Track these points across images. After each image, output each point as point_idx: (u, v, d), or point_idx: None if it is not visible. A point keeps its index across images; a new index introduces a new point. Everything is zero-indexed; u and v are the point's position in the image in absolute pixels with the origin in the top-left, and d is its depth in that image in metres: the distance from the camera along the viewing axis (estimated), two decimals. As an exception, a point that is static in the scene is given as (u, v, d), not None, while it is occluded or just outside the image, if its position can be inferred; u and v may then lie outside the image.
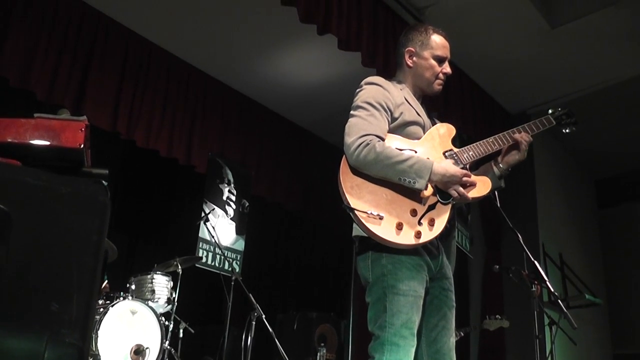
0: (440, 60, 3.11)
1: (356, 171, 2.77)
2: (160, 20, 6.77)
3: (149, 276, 5.79)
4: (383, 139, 2.82)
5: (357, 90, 3.02)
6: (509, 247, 7.90)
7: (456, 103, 7.12)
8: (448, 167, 2.81)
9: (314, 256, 9.28)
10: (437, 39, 3.13)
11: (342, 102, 8.21)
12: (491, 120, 7.89)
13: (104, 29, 6.58)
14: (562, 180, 9.00)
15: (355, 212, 2.69)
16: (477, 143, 3.03)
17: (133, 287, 5.73)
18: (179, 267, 6.07)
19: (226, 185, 7.68)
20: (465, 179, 2.82)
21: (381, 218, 2.68)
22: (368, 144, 2.73)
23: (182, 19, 6.74)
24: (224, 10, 6.61)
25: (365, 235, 2.73)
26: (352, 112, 2.92)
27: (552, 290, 3.51)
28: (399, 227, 2.69)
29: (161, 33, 6.96)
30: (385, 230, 2.68)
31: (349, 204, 2.71)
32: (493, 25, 6.79)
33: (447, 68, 3.13)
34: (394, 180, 2.73)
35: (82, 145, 2.11)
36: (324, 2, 5.65)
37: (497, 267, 5.19)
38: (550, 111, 3.24)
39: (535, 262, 3.58)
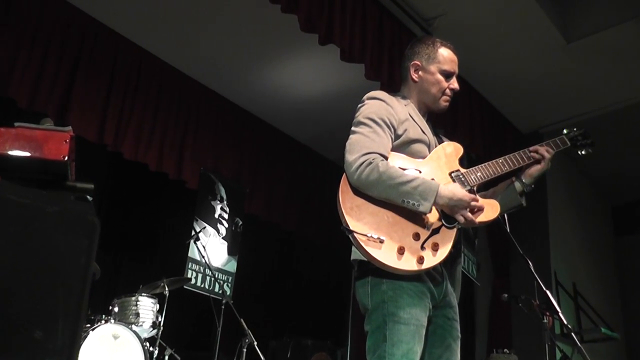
0: (447, 75, 3.09)
1: (357, 191, 2.75)
2: (153, 26, 6.76)
3: (133, 298, 5.72)
4: (386, 158, 2.81)
5: (359, 105, 3.01)
6: (519, 274, 7.87)
7: (464, 120, 7.11)
8: (455, 190, 2.79)
9: (311, 280, 9.25)
10: (444, 53, 3.12)
11: (344, 116, 8.20)
12: (502, 140, 7.89)
13: (92, 33, 6.57)
14: (577, 204, 8.98)
15: (355, 234, 2.67)
16: (486, 164, 3.02)
17: (116, 309, 5.66)
18: (166, 288, 6.02)
19: (218, 202, 7.66)
20: (473, 203, 2.80)
21: (382, 242, 2.67)
22: (371, 163, 2.72)
23: (176, 25, 6.74)
24: (220, 17, 6.62)
25: (365, 259, 2.71)
26: (353, 128, 2.90)
27: (565, 322, 3.48)
28: (401, 251, 2.68)
29: (153, 39, 6.95)
30: (385, 255, 2.66)
31: (348, 225, 2.69)
32: (505, 38, 6.80)
33: (454, 84, 3.11)
34: (397, 202, 2.71)
35: (66, 158, 2.08)
36: (327, 11, 5.65)
37: (506, 295, 5.16)
38: (565, 131, 3.24)
39: (547, 292, 3.52)
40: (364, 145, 2.78)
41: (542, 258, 7.83)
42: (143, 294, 5.82)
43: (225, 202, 7.73)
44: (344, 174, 2.79)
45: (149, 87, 7.00)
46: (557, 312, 3.49)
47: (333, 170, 8.87)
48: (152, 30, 6.82)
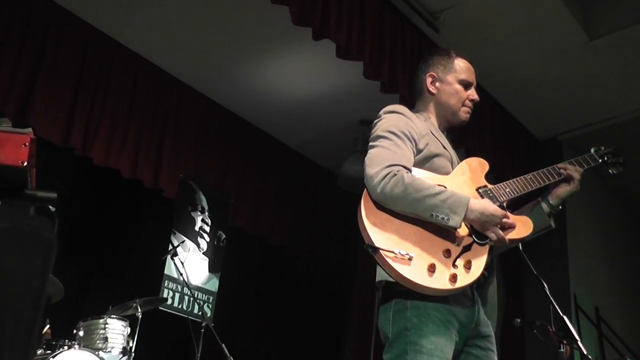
0: (466, 85, 3.22)
1: (380, 206, 2.83)
2: (127, 15, 6.74)
3: (101, 320, 5.66)
4: (410, 171, 2.89)
5: (375, 120, 3.11)
6: (533, 296, 7.84)
7: (474, 125, 7.09)
8: (487, 204, 2.87)
9: (302, 300, 9.19)
10: (460, 62, 3.25)
11: (340, 119, 8.29)
12: (515, 147, 7.91)
13: (58, 22, 6.53)
14: (601, 221, 8.97)
15: (381, 252, 2.73)
16: (515, 179, 3.12)
17: (81, 333, 5.59)
18: (139, 309, 6.00)
19: (199, 213, 7.68)
20: (504, 220, 2.88)
21: (410, 259, 2.72)
22: (395, 175, 2.79)
23: (153, 15, 6.72)
24: (203, 8, 6.61)
25: (392, 279, 2.76)
26: (371, 143, 3.00)
27: (585, 352, 3.49)
28: (432, 268, 2.73)
29: (128, 30, 6.93)
30: (415, 272, 2.72)
31: (373, 243, 2.75)
32: (520, 34, 6.79)
33: (474, 94, 3.24)
34: (424, 216, 2.78)
35: (25, 163, 2.04)
36: (321, 2, 5.66)
37: (519, 320, 5.14)
38: (592, 150, 3.36)
39: (565, 317, 3.60)
40: (386, 157, 2.88)
41: (560, 280, 7.81)
42: (112, 316, 5.77)
43: (206, 214, 7.75)
44: (365, 189, 2.86)
45: (122, 84, 6.97)
46: (576, 340, 3.54)
47: (327, 178, 8.90)
48: (126, 21, 6.80)
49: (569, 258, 8.01)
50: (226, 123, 8.08)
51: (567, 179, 3.17)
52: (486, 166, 3.14)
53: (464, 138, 6.81)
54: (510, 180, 3.10)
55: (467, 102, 3.21)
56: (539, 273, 3.58)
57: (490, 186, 3.07)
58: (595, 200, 8.85)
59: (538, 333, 4.83)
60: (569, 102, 7.79)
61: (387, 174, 2.79)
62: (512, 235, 2.90)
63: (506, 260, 8.06)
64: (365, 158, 2.93)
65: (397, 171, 2.81)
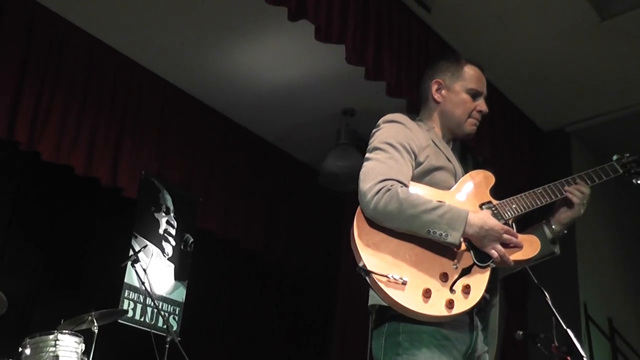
0: (474, 94, 3.30)
1: (374, 224, 2.92)
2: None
3: (51, 336, 5.59)
4: (407, 186, 2.98)
5: (374, 130, 3.21)
6: (537, 307, 7.82)
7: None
8: (486, 218, 2.95)
9: (280, 312, 9.23)
10: (470, 70, 3.33)
11: (320, 109, 8.25)
12: (516, 139, 7.93)
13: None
14: (614, 223, 8.97)
15: (373, 275, 2.81)
16: (523, 195, 3.18)
17: (28, 351, 5.54)
18: (95, 323, 5.92)
19: (164, 214, 7.66)
20: (506, 236, 2.94)
21: (404, 283, 2.81)
22: (389, 190, 2.88)
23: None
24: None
25: (384, 304, 2.85)
26: (367, 155, 3.10)
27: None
28: (427, 294, 2.81)
29: (79, 8, 6.88)
30: (409, 298, 2.80)
31: (366, 265, 2.84)
32: (523, 13, 6.78)
33: (482, 105, 3.31)
34: (421, 233, 2.87)
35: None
36: (298, -22, 5.66)
37: (521, 333, 5.18)
38: (615, 157, 3.37)
39: (568, 331, 3.63)
40: (380, 171, 2.97)
41: (568, 288, 7.84)
42: (64, 331, 5.71)
43: (172, 215, 7.73)
44: (359, 207, 2.96)
45: (74, 69, 6.93)
46: (582, 357, 3.57)
47: (307, 175, 8.88)
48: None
49: (579, 264, 8.01)
50: (194, 114, 8.06)
51: (568, 202, 3.21)
52: (492, 180, 3.21)
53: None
54: (518, 196, 3.16)
55: (475, 113, 3.28)
56: (543, 281, 3.67)
57: (495, 202, 3.13)
58: (607, 199, 8.83)
59: (542, 347, 4.85)
60: (577, 89, 7.79)
61: (381, 189, 2.87)
62: (517, 255, 2.97)
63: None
64: (360, 172, 3.01)
65: (391, 186, 2.88)
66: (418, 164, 3.08)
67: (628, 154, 3.38)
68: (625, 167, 3.34)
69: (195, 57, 7.51)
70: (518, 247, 2.97)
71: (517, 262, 2.98)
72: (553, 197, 3.19)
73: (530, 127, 8.33)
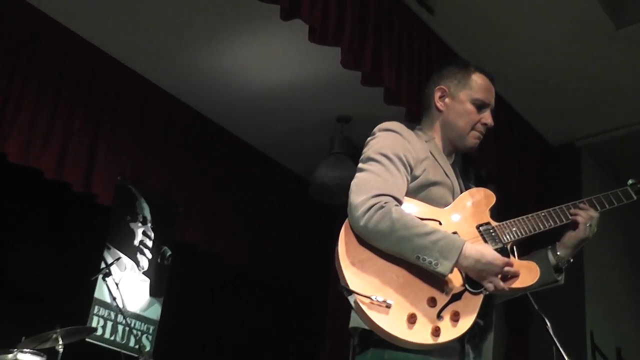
0: (480, 106, 3.29)
1: (362, 242, 2.92)
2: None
3: (10, 356, 5.56)
4: (401, 202, 3.00)
5: (369, 138, 3.21)
6: (540, 334, 7.75)
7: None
8: (484, 251, 2.92)
9: (265, 331, 9.21)
10: (478, 79, 3.33)
11: (313, 115, 8.24)
12: (523, 153, 7.91)
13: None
14: (625, 248, 8.95)
15: (356, 296, 2.80)
16: (526, 217, 3.18)
17: (-16, 371, 5.52)
18: (60, 341, 5.88)
19: (140, 224, 7.66)
20: (507, 269, 2.93)
21: (389, 306, 2.79)
22: (382, 207, 2.87)
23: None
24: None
25: (367, 327, 2.84)
26: (360, 165, 3.11)
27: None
28: (412, 319, 2.80)
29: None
30: (393, 323, 2.78)
31: (348, 285, 2.83)
32: (533, 19, 6.75)
33: (488, 118, 3.30)
34: (410, 258, 2.86)
35: None
36: (291, -26, 5.66)
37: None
38: (630, 182, 3.36)
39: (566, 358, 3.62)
40: (375, 185, 2.96)
41: (574, 314, 7.79)
42: (25, 350, 5.67)
43: (149, 225, 7.73)
44: (347, 219, 2.96)
45: (47, 64, 6.89)
46: None
47: (297, 186, 8.89)
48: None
49: (586, 289, 7.98)
50: (177, 116, 8.05)
51: (574, 225, 3.21)
52: (493, 200, 3.22)
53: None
54: (520, 218, 3.15)
55: (479, 125, 3.28)
56: (547, 306, 3.71)
57: (494, 224, 3.13)
58: (618, 222, 8.79)
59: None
60: (589, 101, 7.77)
61: (373, 205, 2.87)
62: (515, 284, 2.97)
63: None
64: (352, 183, 3.01)
65: (385, 203, 2.88)
66: (414, 178, 3.09)
67: None
68: None
69: (180, 56, 7.50)
70: (515, 276, 2.97)
71: (513, 289, 2.97)
72: (558, 221, 3.19)
73: (539, 141, 8.31)
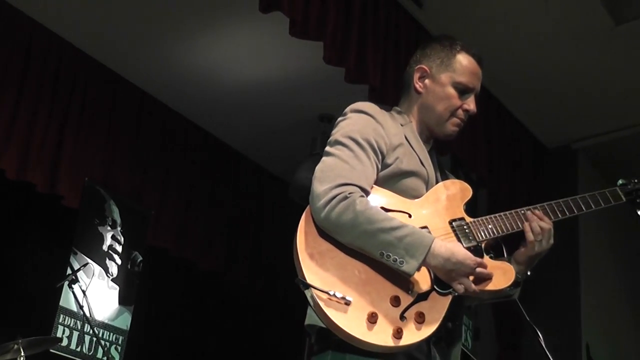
0: (462, 90, 3.17)
1: (323, 233, 2.82)
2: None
3: (-33, 368, 5.60)
4: (368, 193, 2.89)
5: (339, 119, 3.10)
6: (532, 346, 7.79)
7: (464, 126, 6.99)
8: (455, 249, 2.83)
9: (242, 341, 9.19)
10: (463, 60, 3.20)
11: (294, 114, 8.25)
12: (517, 155, 7.95)
13: None
14: (623, 260, 9.00)
15: (312, 291, 2.71)
16: (504, 214, 3.09)
17: (-61, 385, 5.49)
18: (22, 353, 5.82)
19: (109, 228, 7.64)
20: (479, 270, 2.85)
21: (348, 303, 2.70)
22: (346, 198, 2.78)
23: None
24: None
25: (324, 326, 2.73)
26: (328, 148, 2.99)
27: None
28: (372, 319, 2.69)
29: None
30: (351, 322, 2.68)
31: (305, 278, 2.74)
32: (528, 14, 6.78)
33: (471, 104, 3.19)
34: (373, 254, 2.76)
35: None
36: (271, -36, 5.66)
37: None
38: (620, 182, 3.28)
39: None
40: (341, 173, 2.86)
41: (570, 326, 7.84)
42: (-15, 362, 5.68)
43: (118, 229, 7.72)
44: (308, 207, 2.86)
45: (9, 56, 6.89)
46: None
47: (277, 188, 8.86)
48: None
49: (582, 301, 8.02)
50: (148, 114, 8.06)
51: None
52: (469, 193, 3.12)
53: (450, 143, 6.73)
54: (497, 215, 3.05)
55: (460, 112, 3.16)
56: (541, 318, 3.71)
57: (468, 219, 3.03)
58: (617, 233, 8.83)
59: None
60: (586, 102, 7.81)
61: (337, 196, 2.76)
62: (487, 287, 2.89)
63: (500, 303, 8.02)
64: (316, 168, 2.91)
65: (350, 193, 2.77)
66: (385, 166, 2.99)
67: (636, 179, 3.29)
68: (630, 195, 3.25)
69: (152, 49, 7.49)
70: (488, 279, 2.89)
71: (485, 292, 2.90)
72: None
73: (533, 143, 8.35)
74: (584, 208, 3.16)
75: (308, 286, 2.71)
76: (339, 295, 2.68)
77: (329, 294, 2.68)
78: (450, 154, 6.94)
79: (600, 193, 3.19)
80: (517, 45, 7.09)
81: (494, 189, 7.26)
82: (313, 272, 2.74)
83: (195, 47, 7.43)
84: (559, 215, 3.13)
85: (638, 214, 3.27)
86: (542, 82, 7.51)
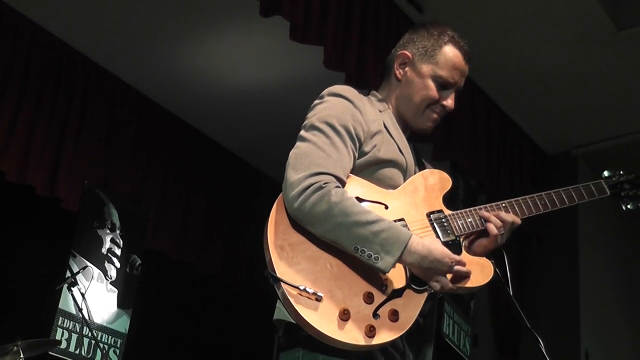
0: (442, 84, 3.07)
1: (295, 224, 2.74)
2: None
3: (-35, 370, 5.58)
4: (344, 183, 2.79)
5: (316, 102, 2.99)
6: (531, 354, 7.80)
7: (464, 131, 7.11)
8: (432, 246, 2.72)
9: (240, 344, 9.17)
10: (449, 53, 3.08)
11: (292, 117, 8.11)
12: (516, 162, 7.94)
13: None
14: (622, 263, 8.99)
15: (282, 285, 2.63)
16: (484, 207, 2.99)
17: (-62, 386, 5.50)
18: (21, 354, 5.78)
19: (108, 231, 7.61)
20: (456, 267, 2.74)
21: (319, 299, 2.62)
22: (321, 188, 2.67)
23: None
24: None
25: (293, 321, 2.66)
26: (302, 133, 2.88)
27: None
28: (344, 316, 2.62)
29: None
30: (321, 319, 2.60)
31: (275, 271, 2.65)
32: (529, 19, 6.81)
33: (449, 100, 3.09)
34: (347, 248, 2.66)
35: None
36: (272, -32, 5.65)
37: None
38: (605, 174, 3.25)
39: None
40: (315, 161, 2.75)
41: (569, 333, 7.83)
42: (-18, 364, 5.67)
43: (118, 232, 7.68)
44: (280, 196, 2.79)
45: (10, 57, 6.90)
46: None
47: (274, 190, 8.77)
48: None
49: (581, 308, 8.02)
50: (148, 117, 8.05)
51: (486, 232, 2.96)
52: (448, 184, 3.03)
53: (449, 149, 6.77)
54: (478, 208, 2.98)
55: (437, 106, 3.07)
56: (539, 324, 3.43)
57: (447, 212, 2.94)
58: (616, 238, 8.85)
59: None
60: (587, 107, 7.83)
61: (311, 185, 2.67)
62: (465, 284, 2.80)
63: (498, 308, 8.05)
64: (290, 153, 2.81)
65: (325, 183, 2.68)
66: (362, 154, 2.89)
67: (621, 171, 3.26)
68: (615, 189, 3.22)
69: (152, 53, 7.50)
70: (466, 276, 2.79)
71: (462, 289, 2.81)
72: (522, 214, 3.01)
73: (532, 149, 8.36)
74: (567, 201, 3.08)
75: (278, 280, 2.62)
76: (309, 290, 2.60)
77: (299, 289, 2.60)
78: (449, 160, 6.90)
79: (584, 186, 3.12)
80: (518, 50, 7.09)
81: (493, 195, 7.20)
82: (283, 265, 2.67)
83: (196, 51, 7.42)
84: (541, 209, 3.05)
85: (622, 208, 3.25)
86: (543, 87, 7.52)
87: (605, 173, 3.23)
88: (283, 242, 2.71)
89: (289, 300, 2.60)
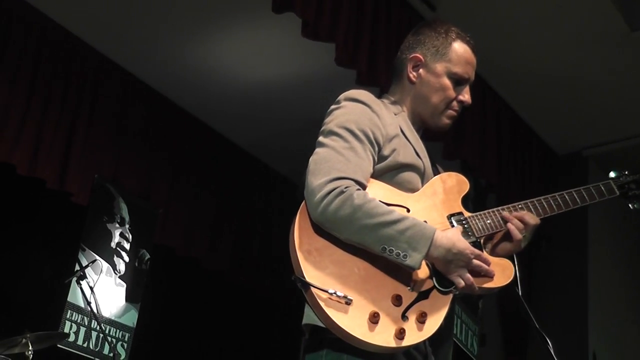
0: (458, 81, 3.10)
1: (319, 229, 2.73)
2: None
3: (-25, 362, 5.59)
4: (365, 187, 2.79)
5: (332, 107, 2.99)
6: (539, 355, 7.81)
7: (474, 131, 7.09)
8: (455, 239, 2.77)
9: (247, 340, 9.18)
10: (459, 49, 3.11)
11: (302, 114, 8.23)
12: (527, 162, 7.92)
13: None
14: (632, 259, 8.98)
15: (312, 289, 2.63)
16: (502, 208, 3.04)
17: (-54, 377, 5.53)
18: (30, 347, 5.84)
19: (118, 226, 7.64)
20: (476, 262, 2.79)
21: (349, 303, 2.63)
22: (343, 192, 2.68)
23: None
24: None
25: (322, 325, 2.66)
26: (321, 139, 2.89)
27: None
28: (374, 319, 2.63)
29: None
30: (352, 322, 2.62)
31: (303, 276, 2.65)
32: (542, 19, 6.79)
33: (466, 95, 3.12)
34: (375, 249, 2.68)
35: None
36: (285, -36, 5.64)
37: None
38: (612, 175, 3.27)
39: None
40: (336, 166, 2.75)
41: (577, 333, 7.82)
42: (-7, 356, 5.67)
43: (127, 227, 7.72)
44: (303, 202, 2.77)
45: (20, 51, 6.89)
46: None
47: (284, 188, 8.83)
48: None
49: (590, 309, 8.01)
50: (158, 112, 8.05)
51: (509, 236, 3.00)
52: (466, 186, 3.05)
53: (459, 149, 6.77)
54: (496, 209, 3.02)
55: (454, 103, 3.10)
56: (547, 325, 3.48)
57: (467, 214, 2.97)
58: (626, 239, 8.84)
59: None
60: (598, 108, 7.81)
61: (333, 190, 2.67)
62: (486, 284, 2.84)
63: (506, 309, 8.04)
64: (310, 159, 2.81)
65: (346, 187, 2.69)
66: (381, 158, 2.89)
67: (627, 172, 3.29)
68: (623, 189, 3.25)
69: (163, 47, 7.49)
70: (488, 276, 2.83)
71: (483, 289, 2.84)
72: (539, 214, 3.06)
73: (543, 149, 8.33)
74: (579, 202, 3.11)
75: (307, 285, 2.63)
76: (339, 294, 2.61)
77: (329, 292, 2.61)
78: (459, 159, 6.89)
79: (594, 186, 3.15)
80: (530, 50, 7.07)
81: (503, 195, 7.20)
82: (311, 269, 2.66)
83: (207, 47, 7.42)
84: (555, 210, 3.09)
85: (630, 208, 3.28)
86: (554, 88, 7.49)
87: (612, 174, 3.26)
88: (309, 246, 2.70)
89: (319, 304, 2.62)
